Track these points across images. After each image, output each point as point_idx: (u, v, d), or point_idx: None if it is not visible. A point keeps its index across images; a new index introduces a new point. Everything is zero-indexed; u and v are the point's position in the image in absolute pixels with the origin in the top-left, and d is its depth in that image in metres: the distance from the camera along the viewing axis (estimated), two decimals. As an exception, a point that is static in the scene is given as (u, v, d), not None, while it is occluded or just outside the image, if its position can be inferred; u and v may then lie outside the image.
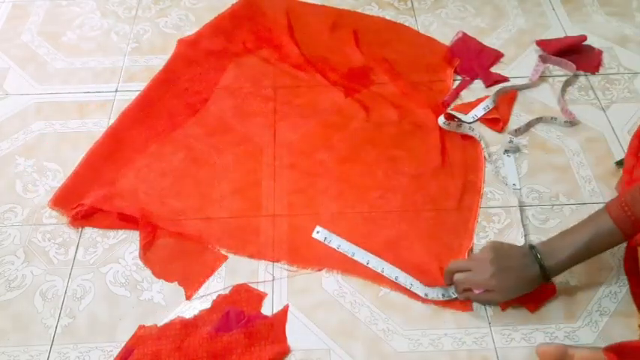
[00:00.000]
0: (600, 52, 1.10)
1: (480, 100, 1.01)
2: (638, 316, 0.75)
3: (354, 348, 0.73)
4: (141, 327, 0.75)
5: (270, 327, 0.75)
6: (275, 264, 0.81)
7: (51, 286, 0.80)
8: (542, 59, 1.07)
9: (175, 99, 1.02)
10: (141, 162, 0.92)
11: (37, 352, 0.74)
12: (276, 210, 0.87)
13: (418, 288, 0.77)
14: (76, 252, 0.83)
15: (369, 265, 0.80)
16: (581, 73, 1.07)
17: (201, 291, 0.79)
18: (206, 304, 0.77)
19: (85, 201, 0.86)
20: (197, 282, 0.80)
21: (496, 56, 1.10)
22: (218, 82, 1.05)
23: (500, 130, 0.97)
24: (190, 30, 1.15)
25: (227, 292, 0.78)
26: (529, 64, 1.08)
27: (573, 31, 1.14)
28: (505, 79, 1.05)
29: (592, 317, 0.76)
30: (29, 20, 1.19)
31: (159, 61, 1.08)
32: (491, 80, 1.05)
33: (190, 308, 0.77)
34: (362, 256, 0.81)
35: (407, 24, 1.17)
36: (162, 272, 0.81)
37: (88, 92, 1.05)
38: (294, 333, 0.75)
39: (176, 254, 0.83)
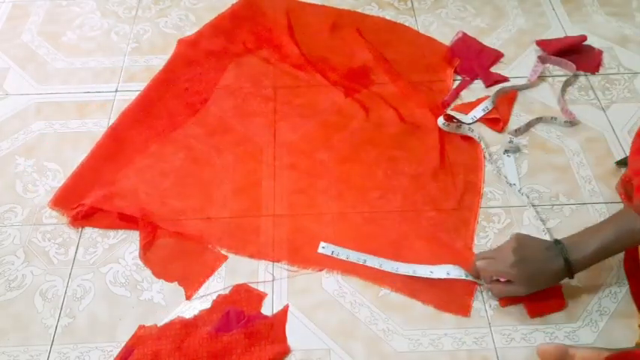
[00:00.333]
0: (600, 52, 1.10)
1: (480, 101, 1.01)
2: (638, 316, 0.75)
3: (354, 348, 0.73)
4: (141, 327, 0.75)
5: (270, 327, 0.75)
6: (275, 264, 0.81)
7: (51, 286, 0.80)
8: (541, 60, 1.07)
9: (175, 99, 1.02)
10: (141, 162, 0.92)
11: (37, 352, 0.74)
12: (276, 210, 0.87)
13: (440, 271, 0.78)
14: (76, 252, 0.83)
15: (382, 268, 0.79)
16: (581, 73, 1.07)
17: (201, 291, 0.79)
18: (206, 304, 0.77)
19: (85, 201, 0.86)
20: (197, 282, 0.79)
21: (496, 56, 1.10)
22: (218, 82, 1.05)
23: (501, 130, 0.97)
24: (190, 30, 1.15)
25: (227, 292, 0.78)
26: (529, 64, 1.08)
27: (573, 31, 1.14)
28: (505, 79, 1.05)
29: (592, 317, 0.76)
30: (29, 20, 1.19)
31: (159, 61, 1.08)
32: (491, 80, 1.05)
33: (190, 308, 0.77)
34: (374, 261, 0.80)
35: (407, 24, 1.17)
36: (162, 272, 0.81)
37: (88, 92, 1.05)
38: (294, 333, 0.75)
39: (176, 254, 0.82)
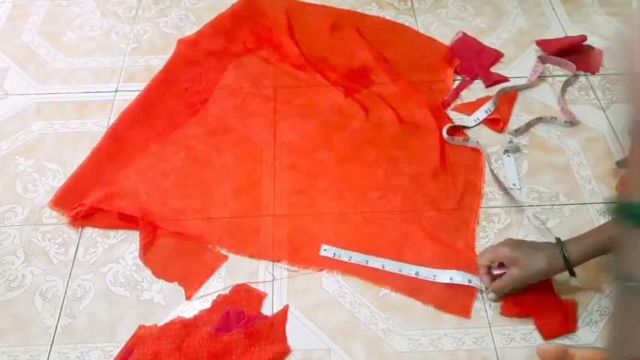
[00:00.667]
0: (600, 52, 1.10)
1: (480, 101, 1.01)
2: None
3: (354, 348, 0.73)
4: (141, 327, 0.75)
5: (270, 327, 0.75)
6: (275, 264, 0.81)
7: (51, 286, 0.80)
8: (541, 60, 1.07)
9: (175, 99, 1.02)
10: (141, 162, 0.92)
11: (37, 352, 0.74)
12: (276, 210, 0.87)
13: (443, 276, 0.78)
14: (76, 252, 0.83)
15: (386, 269, 0.80)
16: (581, 73, 1.07)
17: (201, 291, 0.79)
18: (206, 304, 0.77)
19: (85, 201, 0.86)
20: (197, 282, 0.80)
21: (496, 56, 1.10)
22: (218, 82, 1.05)
23: (501, 130, 0.97)
24: (190, 30, 1.15)
25: (227, 292, 0.79)
26: (529, 64, 1.08)
27: (573, 31, 1.14)
28: (505, 79, 1.05)
29: (592, 317, 0.76)
30: (29, 20, 1.19)
31: (159, 61, 1.08)
32: (491, 80, 1.05)
33: (190, 308, 0.77)
34: (376, 262, 0.81)
35: (407, 24, 1.17)
36: (162, 272, 0.81)
37: (88, 92, 1.05)
38: (294, 333, 0.75)
39: (176, 254, 0.83)
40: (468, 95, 1.03)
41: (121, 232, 0.85)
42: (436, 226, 0.85)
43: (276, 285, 0.79)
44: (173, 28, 1.16)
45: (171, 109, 1.00)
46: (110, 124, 0.98)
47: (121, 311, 0.77)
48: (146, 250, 0.82)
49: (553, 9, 1.20)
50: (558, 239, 0.72)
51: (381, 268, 0.80)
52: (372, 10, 1.20)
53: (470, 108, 1.00)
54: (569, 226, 0.84)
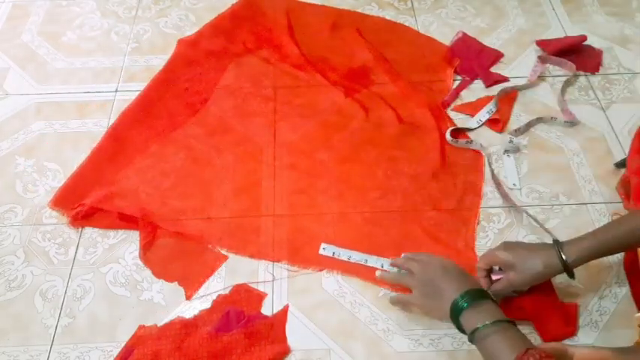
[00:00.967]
0: (600, 52, 1.10)
1: (480, 101, 1.01)
2: (639, 316, 0.75)
3: (354, 348, 0.73)
4: (141, 327, 0.75)
5: (270, 327, 0.75)
6: (275, 264, 0.81)
7: (51, 286, 0.80)
8: (541, 60, 1.07)
9: (175, 99, 1.02)
10: (141, 162, 0.92)
11: (37, 352, 0.74)
12: (276, 210, 0.87)
13: None
14: (76, 252, 0.83)
15: (385, 268, 0.80)
16: (581, 73, 1.07)
17: (201, 291, 0.79)
18: (206, 304, 0.77)
19: (85, 201, 0.86)
20: (197, 282, 0.80)
21: (496, 56, 1.10)
22: (218, 82, 1.05)
23: (500, 130, 0.97)
24: (190, 30, 1.15)
25: (227, 292, 0.79)
26: (529, 64, 1.08)
27: (573, 31, 1.14)
28: (505, 79, 1.05)
29: (592, 317, 0.76)
30: (29, 20, 1.19)
31: (159, 61, 1.08)
32: (491, 80, 1.05)
33: (190, 308, 0.77)
34: (375, 261, 0.81)
35: (407, 24, 1.17)
36: (162, 272, 0.81)
37: (88, 92, 1.05)
38: (294, 333, 0.75)
39: (176, 254, 0.83)
40: (468, 95, 1.03)
41: (121, 232, 0.85)
42: (436, 226, 0.85)
43: (276, 285, 0.79)
44: (173, 28, 1.16)
45: (171, 109, 1.00)
46: (110, 124, 0.98)
47: (121, 311, 0.77)
48: (146, 250, 0.82)
49: (553, 9, 1.20)
50: (555, 240, 0.71)
51: (381, 268, 0.80)
52: (372, 10, 1.20)
53: (470, 108, 1.00)
54: (570, 226, 0.84)
